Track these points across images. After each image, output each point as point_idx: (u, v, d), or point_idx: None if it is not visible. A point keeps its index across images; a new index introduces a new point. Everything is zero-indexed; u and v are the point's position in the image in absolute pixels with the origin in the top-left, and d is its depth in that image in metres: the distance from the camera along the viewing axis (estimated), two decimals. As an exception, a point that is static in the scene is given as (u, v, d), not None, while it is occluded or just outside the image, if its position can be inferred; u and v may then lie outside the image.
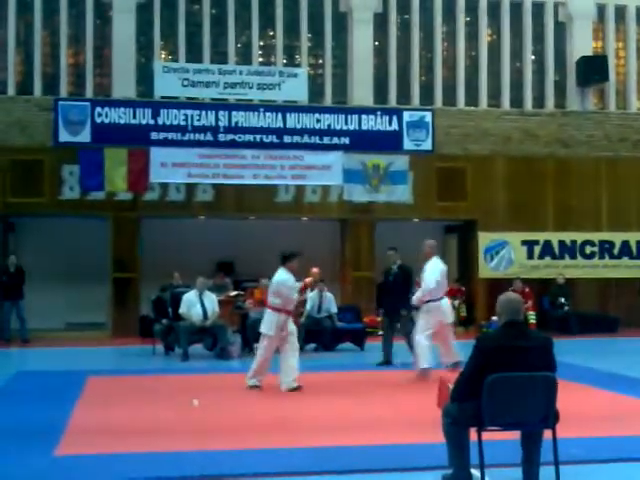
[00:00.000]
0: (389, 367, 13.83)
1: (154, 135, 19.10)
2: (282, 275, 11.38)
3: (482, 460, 5.99)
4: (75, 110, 18.96)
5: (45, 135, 19.56)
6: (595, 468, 7.06)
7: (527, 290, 19.50)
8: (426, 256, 12.15)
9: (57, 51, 21.19)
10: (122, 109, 19.18)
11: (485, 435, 6.01)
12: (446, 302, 12.19)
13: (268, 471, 6.88)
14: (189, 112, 19.30)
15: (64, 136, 18.82)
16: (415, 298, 12.27)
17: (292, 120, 19.63)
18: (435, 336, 12.19)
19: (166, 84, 19.47)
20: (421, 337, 11.90)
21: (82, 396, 10.92)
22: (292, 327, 11.49)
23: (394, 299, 14.05)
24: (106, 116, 19.04)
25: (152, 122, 19.15)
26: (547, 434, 6.20)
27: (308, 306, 17.06)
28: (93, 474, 6.81)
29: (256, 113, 19.53)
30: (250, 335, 16.56)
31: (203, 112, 19.38)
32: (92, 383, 12.08)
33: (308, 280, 12.91)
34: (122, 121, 19.08)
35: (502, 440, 6.33)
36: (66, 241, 21.08)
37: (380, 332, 19.32)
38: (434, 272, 11.92)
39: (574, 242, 21.54)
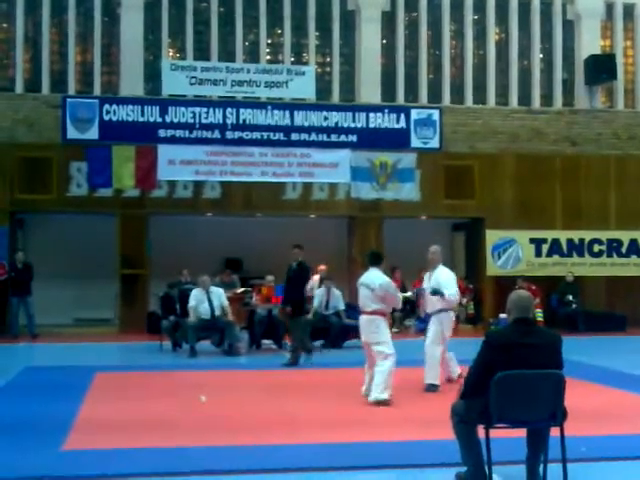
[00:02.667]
0: (296, 367, 13.58)
1: (162, 133, 19.13)
2: (383, 276, 10.45)
3: (490, 457, 6.00)
4: (83, 107, 18.99)
5: (53, 132, 19.59)
6: (603, 466, 7.07)
7: (534, 288, 19.47)
8: (431, 263, 11.48)
9: (65, 49, 21.23)
10: (130, 107, 19.20)
11: (493, 432, 6.01)
12: (453, 314, 11.51)
13: (276, 467, 6.90)
14: (197, 110, 19.31)
15: (72, 133, 18.86)
16: (450, 299, 11.20)
17: (300, 118, 19.63)
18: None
19: (174, 82, 19.47)
20: (435, 349, 11.18)
21: (90, 391, 10.95)
22: None
23: (292, 296, 13.90)
24: (114, 114, 19.06)
25: (160, 120, 19.18)
26: (554, 432, 6.20)
27: (315, 303, 17.08)
28: (100, 469, 6.83)
29: (264, 111, 19.54)
30: (258, 332, 16.63)
31: (211, 110, 19.39)
32: (100, 379, 12.11)
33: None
34: (130, 119, 19.11)
35: (510, 437, 6.33)
36: (74, 238, 21.12)
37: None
38: (452, 282, 11.27)
39: (582, 240, 21.50)
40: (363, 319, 10.46)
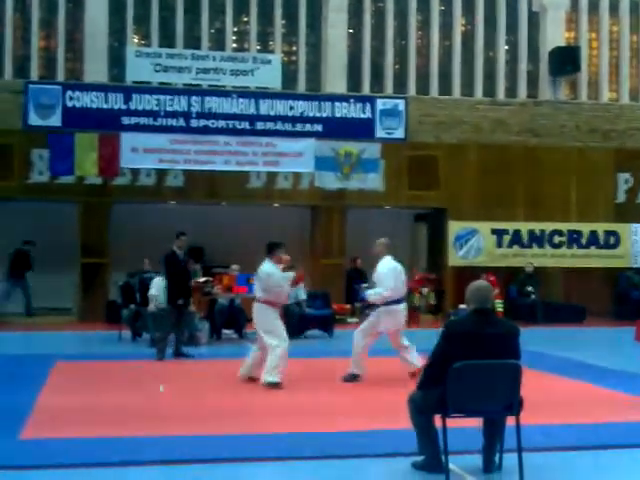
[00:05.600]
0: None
1: (125, 120, 19.00)
2: (267, 267, 10.77)
3: (446, 447, 6.04)
4: (46, 94, 18.81)
5: (15, 118, 19.35)
6: (558, 456, 7.12)
7: (492, 279, 19.55)
8: (378, 254, 11.28)
9: (28, 34, 20.99)
10: (93, 93, 19.05)
11: (449, 422, 6.05)
12: (404, 306, 11.28)
13: (235, 456, 6.90)
14: (161, 97, 19.20)
15: (34, 120, 18.68)
16: (375, 298, 11.13)
17: (265, 107, 19.59)
18: (391, 341, 11.30)
19: (138, 69, 19.36)
20: (360, 340, 11.05)
21: (48, 381, 10.88)
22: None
23: (187, 287, 13.82)
24: (77, 100, 18.90)
25: (124, 107, 19.05)
26: (510, 421, 6.25)
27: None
28: (58, 458, 6.79)
29: (229, 99, 19.46)
30: (218, 321, 16.58)
31: (175, 97, 19.30)
32: (58, 368, 12.03)
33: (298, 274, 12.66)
34: (93, 105, 18.96)
35: (466, 427, 6.38)
36: (35, 225, 20.89)
37: (350, 319, 19.49)
38: (387, 276, 11.00)
39: (543, 231, 21.66)
40: (253, 306, 10.96)
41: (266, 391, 10.25)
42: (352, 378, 10.91)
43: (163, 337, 13.49)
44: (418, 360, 10.95)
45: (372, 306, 11.27)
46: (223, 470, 6.66)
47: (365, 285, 11.58)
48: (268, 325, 10.71)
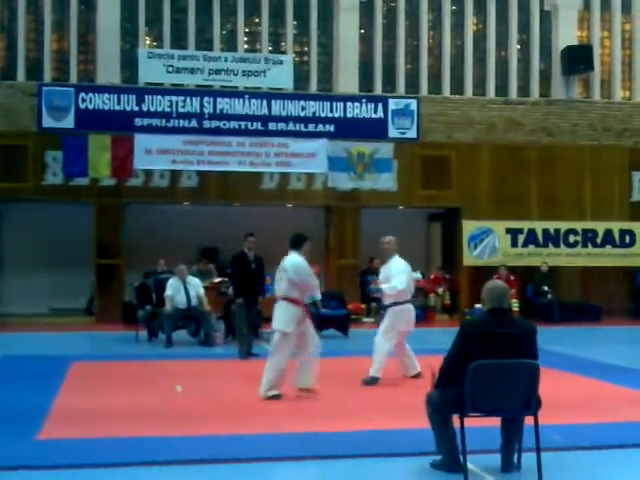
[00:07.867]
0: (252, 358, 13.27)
1: (138, 121, 19.05)
2: (297, 259, 9.88)
3: (464, 446, 6.03)
4: (59, 96, 18.88)
5: (29, 120, 19.46)
6: (576, 455, 7.10)
7: (512, 278, 19.58)
8: (387, 252, 11.04)
9: (41, 36, 21.06)
10: (106, 95, 19.13)
11: (467, 422, 6.04)
12: (412, 307, 11.08)
13: (252, 456, 6.90)
14: (174, 98, 19.25)
15: (48, 122, 18.76)
16: (390, 292, 10.80)
17: (277, 107, 19.61)
18: (396, 346, 11.10)
19: (151, 70, 19.41)
20: (383, 344, 10.76)
21: (65, 381, 10.90)
22: (307, 319, 10.17)
23: (255, 287, 13.81)
24: (90, 102, 18.97)
25: (136, 108, 19.11)
26: (529, 421, 6.23)
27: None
28: (75, 458, 6.80)
29: (241, 100, 19.49)
30: (234, 322, 16.57)
31: (188, 99, 19.34)
32: (75, 368, 12.06)
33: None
34: (106, 107, 19.02)
35: (484, 426, 6.37)
36: (50, 227, 20.98)
37: (365, 319, 19.49)
38: (403, 272, 10.82)
39: (558, 230, 21.61)
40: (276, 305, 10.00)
41: (283, 390, 10.23)
42: (373, 381, 10.65)
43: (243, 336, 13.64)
44: (418, 365, 10.95)
45: (386, 306, 11.15)
46: (236, 470, 6.66)
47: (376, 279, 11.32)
48: (284, 325, 9.89)
